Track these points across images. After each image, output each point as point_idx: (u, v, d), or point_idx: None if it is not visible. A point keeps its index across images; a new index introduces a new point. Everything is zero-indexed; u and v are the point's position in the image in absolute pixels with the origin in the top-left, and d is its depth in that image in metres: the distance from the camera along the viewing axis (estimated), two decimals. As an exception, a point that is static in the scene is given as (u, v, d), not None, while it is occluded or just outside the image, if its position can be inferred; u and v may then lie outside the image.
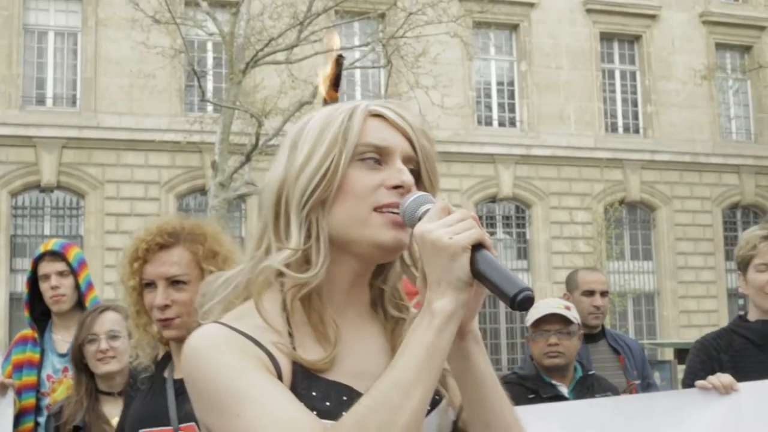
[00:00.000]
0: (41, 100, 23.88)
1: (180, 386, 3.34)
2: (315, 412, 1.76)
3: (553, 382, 5.51)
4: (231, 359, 1.80)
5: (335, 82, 2.49)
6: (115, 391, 4.74)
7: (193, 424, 3.24)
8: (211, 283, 2.02)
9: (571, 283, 6.92)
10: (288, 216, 1.93)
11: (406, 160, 1.94)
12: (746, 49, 29.52)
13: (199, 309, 2.00)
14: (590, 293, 6.69)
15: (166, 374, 3.48)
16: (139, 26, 20.12)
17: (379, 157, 1.92)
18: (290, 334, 1.88)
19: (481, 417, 1.90)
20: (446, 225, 1.75)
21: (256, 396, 1.75)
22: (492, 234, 26.67)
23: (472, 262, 1.73)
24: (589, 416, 4.66)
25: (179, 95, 24.05)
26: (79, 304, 5.73)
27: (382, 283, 2.03)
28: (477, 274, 1.73)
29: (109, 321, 4.64)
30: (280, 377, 1.81)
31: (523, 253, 26.98)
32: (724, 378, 4.48)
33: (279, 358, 1.83)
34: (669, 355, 21.25)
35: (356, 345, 1.94)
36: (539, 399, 5.18)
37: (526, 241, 27.00)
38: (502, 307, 25.90)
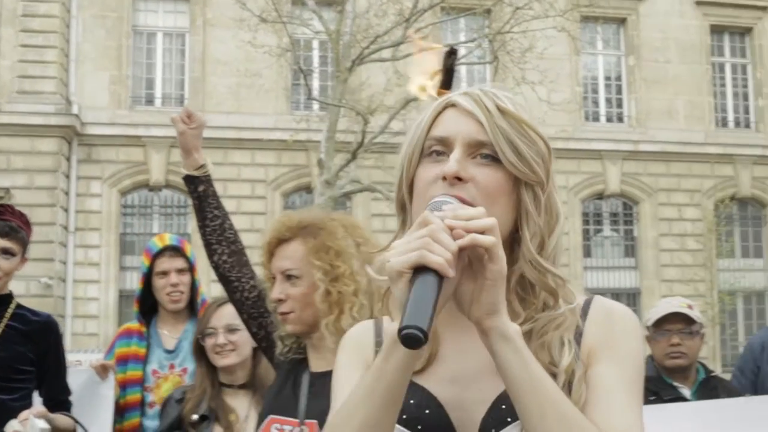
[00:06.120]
0: (150, 100, 24.27)
1: (314, 380, 3.34)
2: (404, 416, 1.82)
3: (675, 383, 5.36)
4: (342, 357, 2.00)
5: (446, 81, 2.40)
6: (236, 383, 4.71)
7: (316, 421, 3.20)
8: None
9: None
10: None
11: (475, 146, 1.86)
12: None
13: None
14: None
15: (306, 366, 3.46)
16: (246, 26, 20.34)
17: (443, 148, 1.88)
18: None
19: (523, 424, 1.73)
20: (404, 243, 1.67)
21: (335, 396, 1.92)
22: (599, 231, 26.39)
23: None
24: (716, 417, 4.50)
25: (286, 94, 24.18)
26: (190, 301, 5.71)
27: None
28: None
29: (227, 315, 4.57)
30: None
31: (630, 251, 26.57)
32: None
33: None
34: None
35: (456, 345, 1.90)
36: (660, 401, 5.00)
37: (634, 238, 26.58)
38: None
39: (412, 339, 1.54)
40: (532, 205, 1.87)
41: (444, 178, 1.82)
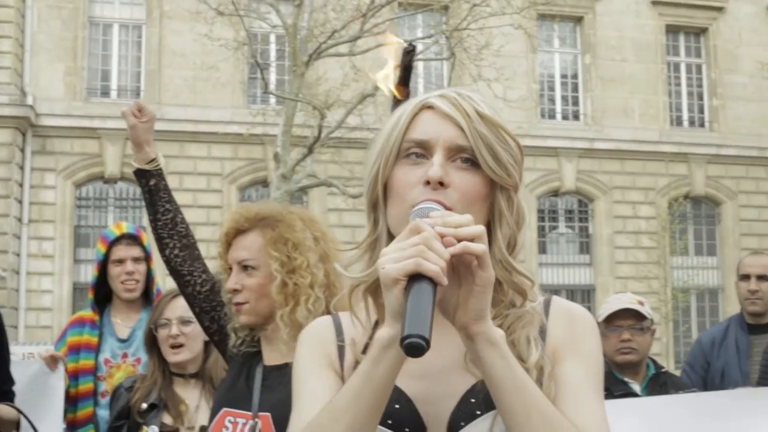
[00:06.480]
0: (106, 92, 24.07)
1: (267, 373, 3.34)
2: None
3: (626, 379, 5.39)
4: (302, 350, 2.00)
5: (404, 77, 2.41)
6: (187, 373, 4.70)
7: (269, 414, 3.20)
8: None
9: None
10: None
11: (455, 150, 1.88)
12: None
13: None
14: (745, 277, 6.21)
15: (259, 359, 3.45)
16: (203, 18, 20.26)
17: (422, 151, 1.89)
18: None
19: (507, 425, 1.77)
20: (397, 250, 1.68)
21: (298, 390, 1.94)
22: (554, 228, 26.52)
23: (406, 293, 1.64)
24: (667, 413, 4.54)
25: (242, 87, 24.09)
26: (145, 291, 5.66)
27: None
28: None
29: (181, 306, 4.50)
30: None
31: (585, 248, 26.73)
32: None
33: (348, 355, 1.93)
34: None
35: None
36: (610, 396, 4.98)
37: (589, 235, 26.74)
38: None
39: (415, 347, 1.56)
40: (506, 207, 1.91)
41: (427, 182, 1.84)
